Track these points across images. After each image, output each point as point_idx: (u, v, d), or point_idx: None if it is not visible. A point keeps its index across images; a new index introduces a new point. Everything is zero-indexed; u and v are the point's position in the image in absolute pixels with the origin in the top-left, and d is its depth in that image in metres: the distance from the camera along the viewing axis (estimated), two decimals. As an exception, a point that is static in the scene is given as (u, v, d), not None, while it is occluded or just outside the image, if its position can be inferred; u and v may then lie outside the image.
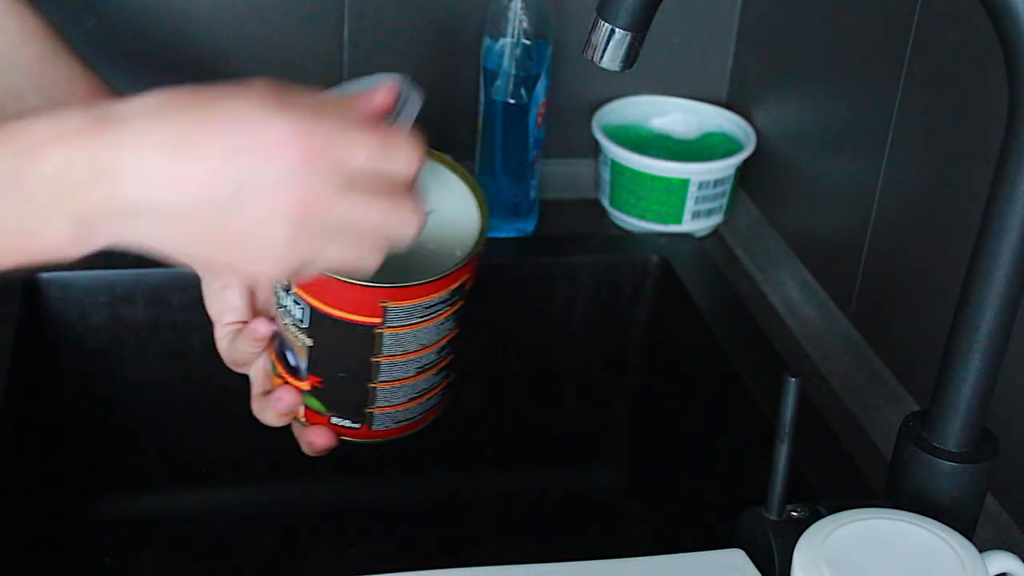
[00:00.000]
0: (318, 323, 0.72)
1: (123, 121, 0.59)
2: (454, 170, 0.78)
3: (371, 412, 0.77)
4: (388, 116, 0.69)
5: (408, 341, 0.73)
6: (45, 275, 1.05)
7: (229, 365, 0.79)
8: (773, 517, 0.74)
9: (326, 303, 0.71)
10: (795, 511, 0.74)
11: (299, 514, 1.15)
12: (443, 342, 0.76)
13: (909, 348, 0.96)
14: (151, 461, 1.14)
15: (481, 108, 1.13)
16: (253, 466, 1.14)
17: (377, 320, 0.71)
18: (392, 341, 0.73)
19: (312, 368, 0.75)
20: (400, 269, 0.70)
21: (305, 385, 0.76)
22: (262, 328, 0.75)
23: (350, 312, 0.71)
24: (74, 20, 1.12)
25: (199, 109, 0.60)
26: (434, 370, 0.77)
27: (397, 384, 0.76)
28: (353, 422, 0.77)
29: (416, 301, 0.72)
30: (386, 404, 0.76)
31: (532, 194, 1.16)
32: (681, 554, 0.74)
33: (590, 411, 1.20)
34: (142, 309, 1.08)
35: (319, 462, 1.17)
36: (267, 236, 0.60)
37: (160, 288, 1.07)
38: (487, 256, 1.15)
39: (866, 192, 1.01)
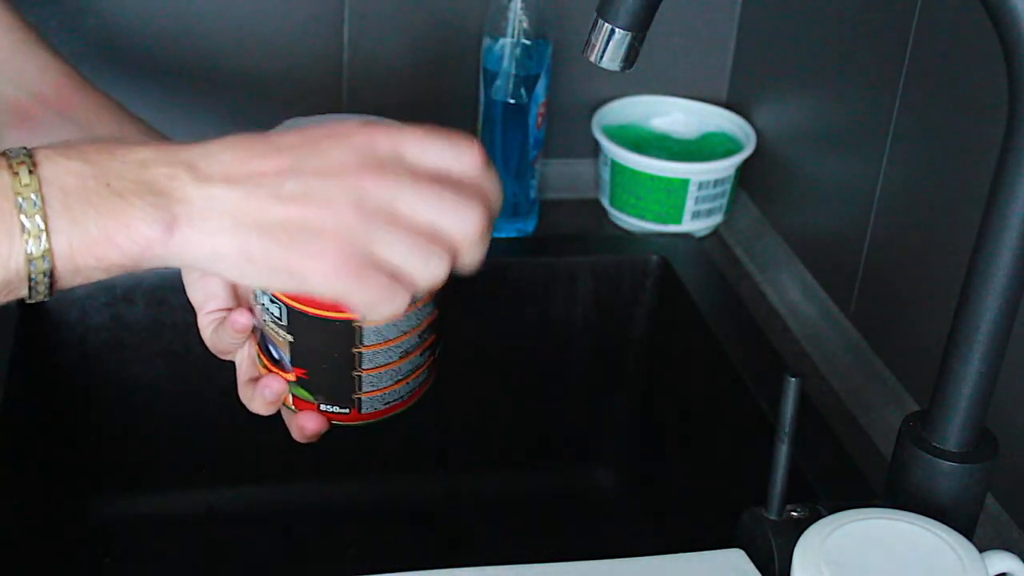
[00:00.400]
0: (296, 320, 0.72)
1: (196, 142, 0.63)
2: None
3: (359, 397, 0.76)
4: None
5: (388, 330, 0.73)
6: (45, 275, 1.05)
7: (214, 353, 0.78)
8: (773, 517, 0.74)
9: (301, 302, 0.71)
10: (795, 511, 0.74)
11: (299, 514, 1.15)
12: (424, 326, 0.75)
13: (909, 348, 0.96)
14: (151, 461, 1.14)
15: (481, 108, 1.13)
16: (253, 466, 1.14)
17: (355, 314, 0.71)
18: (373, 332, 0.73)
19: (295, 361, 0.75)
20: None
21: (291, 376, 0.76)
22: (242, 319, 0.74)
23: (327, 309, 0.71)
24: (74, 20, 1.12)
25: (268, 134, 0.64)
26: (417, 352, 0.77)
27: (382, 370, 0.75)
28: (342, 407, 0.77)
29: None
30: (373, 388, 0.76)
31: (532, 194, 1.16)
32: (681, 554, 0.74)
33: (590, 411, 1.20)
34: (142, 309, 1.08)
35: (319, 462, 1.17)
36: (333, 223, 0.61)
37: (160, 288, 1.07)
38: (487, 256, 1.15)
39: (866, 192, 1.01)
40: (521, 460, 1.21)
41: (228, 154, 0.62)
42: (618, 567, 0.73)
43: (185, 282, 0.78)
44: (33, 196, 0.59)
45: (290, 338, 0.73)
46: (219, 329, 0.77)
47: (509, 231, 1.16)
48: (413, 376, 0.78)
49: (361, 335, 0.72)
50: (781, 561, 0.72)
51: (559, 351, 1.17)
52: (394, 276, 0.63)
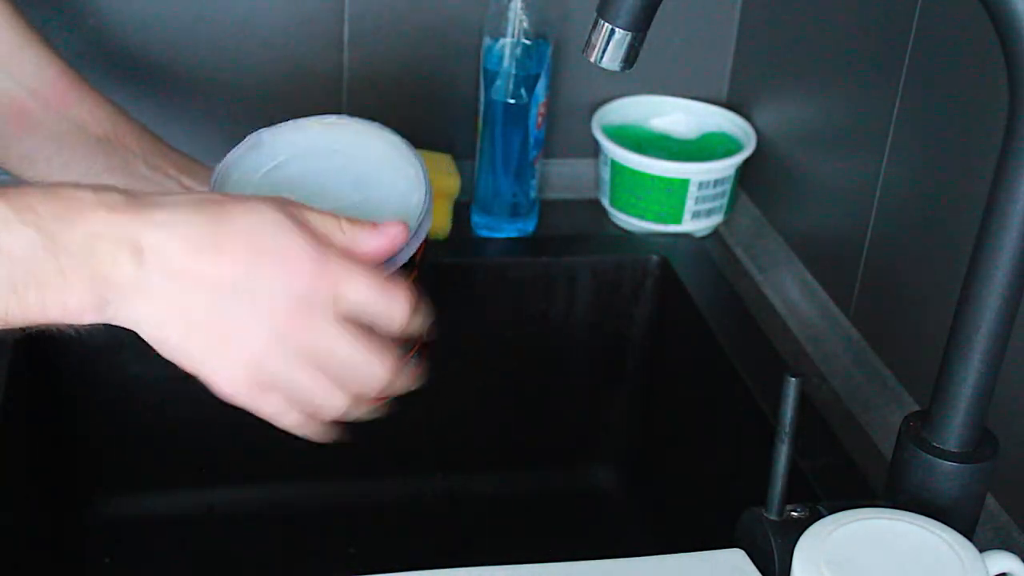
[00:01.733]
0: None
1: (160, 207, 0.64)
2: (394, 132, 0.79)
3: None
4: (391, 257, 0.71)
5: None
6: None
7: None
8: (773, 517, 0.74)
9: None
10: (795, 511, 0.74)
11: (299, 514, 1.15)
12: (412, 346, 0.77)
13: (909, 348, 0.96)
14: (151, 461, 1.14)
15: (481, 108, 1.13)
16: (253, 466, 1.14)
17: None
18: None
19: None
20: None
21: None
22: None
23: None
24: (74, 20, 1.12)
25: (227, 215, 0.65)
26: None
27: None
28: None
29: None
30: None
31: (532, 194, 1.16)
32: (681, 554, 0.74)
33: (590, 411, 1.20)
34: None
35: (319, 462, 1.17)
36: (252, 336, 0.65)
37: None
38: (487, 256, 1.16)
39: (866, 192, 1.01)
40: (521, 460, 1.21)
41: (177, 243, 0.64)
42: (618, 567, 0.73)
43: None
44: None
45: None
46: None
47: (509, 231, 1.16)
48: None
49: None
50: (781, 561, 0.72)
51: (559, 351, 1.17)
52: (293, 402, 0.67)
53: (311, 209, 0.68)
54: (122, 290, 0.63)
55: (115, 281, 0.63)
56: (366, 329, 0.67)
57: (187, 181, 0.89)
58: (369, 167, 0.78)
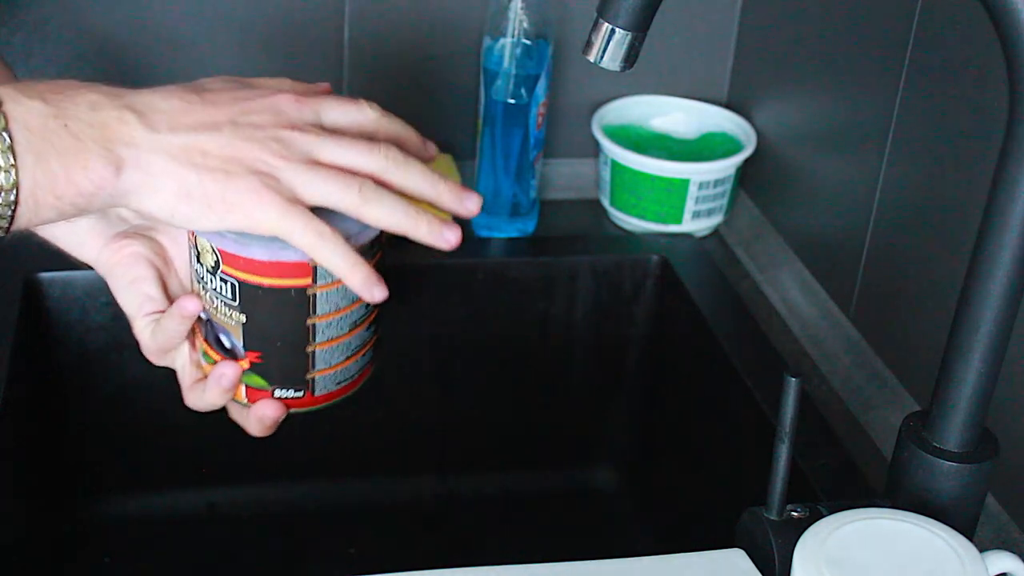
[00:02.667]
0: (250, 297, 0.73)
1: (133, 90, 0.69)
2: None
3: (312, 378, 0.77)
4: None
5: (339, 297, 0.74)
6: (45, 275, 1.05)
7: (153, 356, 0.79)
8: (773, 517, 0.74)
9: (256, 273, 0.72)
10: (795, 511, 0.74)
11: (299, 514, 1.15)
12: None
13: (909, 348, 0.96)
14: (151, 461, 1.14)
15: (481, 108, 1.13)
16: (253, 466, 1.14)
17: (307, 281, 0.73)
18: (324, 299, 0.74)
19: (249, 344, 0.75)
20: None
21: (244, 363, 0.76)
22: (191, 305, 0.75)
23: (281, 277, 0.72)
24: (74, 20, 1.12)
25: (205, 79, 0.73)
26: (364, 325, 0.78)
27: (334, 343, 0.76)
28: (296, 390, 0.77)
29: None
30: (325, 366, 0.77)
31: (532, 194, 1.16)
32: (681, 554, 0.74)
33: (590, 411, 1.20)
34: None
35: (319, 462, 1.17)
36: (263, 165, 0.68)
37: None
38: (487, 256, 1.16)
39: (866, 192, 1.01)
40: (521, 460, 1.21)
41: (167, 104, 0.68)
42: (618, 567, 0.73)
43: (114, 290, 0.79)
44: (3, 134, 0.63)
45: (242, 318, 0.74)
46: (157, 329, 0.77)
47: (509, 231, 1.16)
48: (361, 353, 0.79)
49: (314, 304, 0.74)
50: (781, 561, 0.72)
51: (559, 351, 1.17)
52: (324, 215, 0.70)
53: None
54: (135, 149, 0.66)
55: (126, 140, 0.66)
56: (352, 133, 0.73)
57: None
58: None
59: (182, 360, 0.79)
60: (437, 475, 1.19)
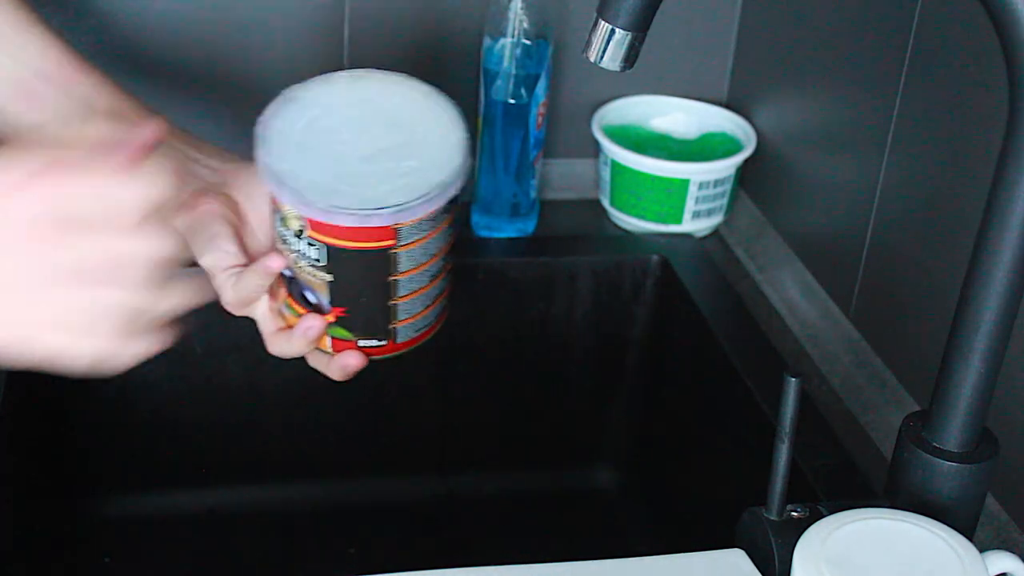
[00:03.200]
0: (337, 259, 0.76)
1: None
2: (431, 91, 0.83)
3: (394, 327, 0.80)
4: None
5: (420, 254, 0.77)
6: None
7: (233, 308, 0.80)
8: (773, 517, 0.74)
9: (343, 238, 0.75)
10: (795, 511, 0.74)
11: (299, 514, 1.15)
12: (447, 249, 0.80)
13: (909, 348, 0.96)
14: (151, 461, 1.14)
15: (481, 108, 1.13)
16: (253, 466, 1.14)
17: (391, 242, 0.75)
18: (406, 258, 0.77)
19: (335, 300, 0.78)
20: (395, 190, 0.74)
21: (330, 318, 0.79)
22: (275, 263, 0.77)
23: (367, 241, 0.75)
24: (74, 20, 1.12)
25: None
26: (442, 276, 0.81)
27: (415, 295, 0.79)
28: (380, 340, 0.81)
29: (424, 217, 0.75)
30: (407, 316, 0.80)
31: (532, 194, 1.16)
32: (681, 554, 0.74)
33: (590, 411, 1.20)
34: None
35: (319, 462, 1.17)
36: (15, 284, 0.63)
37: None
38: (487, 256, 1.15)
39: (866, 192, 1.01)
40: (521, 460, 1.21)
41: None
42: (618, 567, 0.73)
43: (193, 249, 0.80)
44: None
45: (329, 278, 0.76)
46: (239, 283, 0.78)
47: (509, 231, 1.16)
48: (439, 300, 0.82)
49: (396, 261, 0.76)
50: (781, 561, 0.72)
51: (559, 351, 1.17)
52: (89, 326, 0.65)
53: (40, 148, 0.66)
54: None
55: None
56: (108, 215, 0.64)
57: (192, 153, 0.89)
58: (404, 112, 0.80)
59: (262, 310, 0.81)
60: (437, 475, 1.19)
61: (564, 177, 1.24)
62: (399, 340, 0.81)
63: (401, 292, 0.78)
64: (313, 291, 0.78)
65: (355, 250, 0.75)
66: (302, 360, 0.83)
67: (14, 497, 0.98)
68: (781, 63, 1.17)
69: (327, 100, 0.81)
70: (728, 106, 1.24)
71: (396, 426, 1.17)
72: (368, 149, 0.76)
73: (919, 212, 0.95)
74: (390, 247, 0.76)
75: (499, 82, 1.10)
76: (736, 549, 0.75)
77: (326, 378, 0.83)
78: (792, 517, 0.74)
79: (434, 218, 0.76)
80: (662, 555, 0.74)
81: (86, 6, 1.13)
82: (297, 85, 0.81)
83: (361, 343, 0.80)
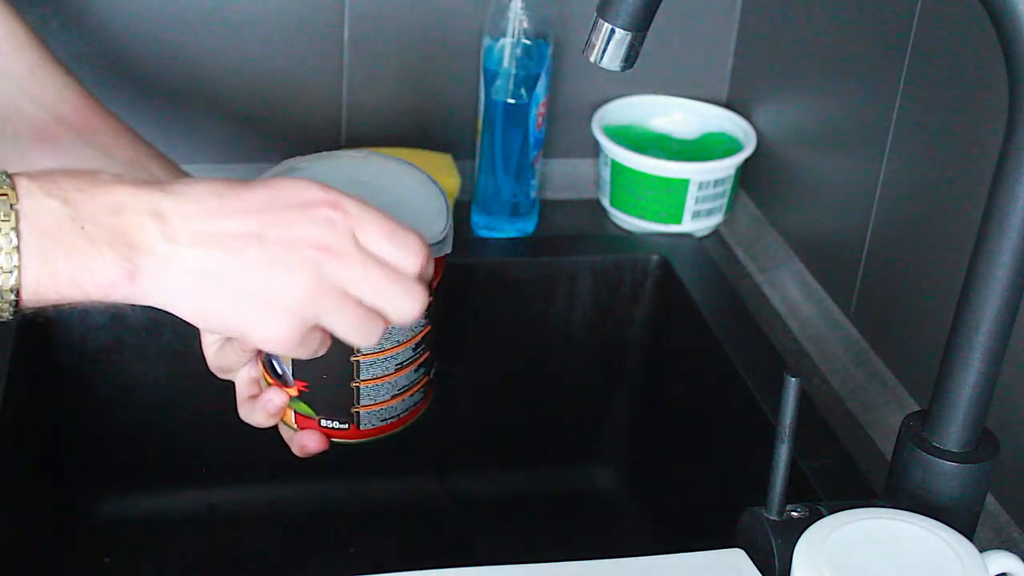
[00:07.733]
0: None
1: (177, 183, 0.66)
2: (421, 170, 0.80)
3: (357, 412, 0.79)
4: None
5: (383, 339, 0.74)
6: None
7: (215, 371, 0.81)
8: (773, 517, 0.74)
9: None
10: (795, 511, 0.74)
11: (299, 514, 1.15)
12: (417, 339, 0.78)
13: (909, 348, 0.96)
14: (151, 461, 1.14)
15: (481, 108, 1.13)
16: (253, 466, 1.14)
17: None
18: None
19: (297, 374, 0.77)
20: None
21: (293, 391, 0.78)
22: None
23: None
24: (74, 20, 1.12)
25: (241, 183, 0.67)
26: (412, 367, 0.79)
27: (379, 381, 0.78)
28: (341, 423, 0.79)
29: None
30: (370, 402, 0.78)
31: (532, 194, 1.16)
32: (681, 554, 0.74)
33: (590, 411, 1.20)
34: (142, 309, 1.08)
35: (319, 461, 1.17)
36: (288, 294, 0.65)
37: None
38: (487, 256, 1.15)
39: (866, 192, 1.01)
40: (521, 460, 1.21)
41: (197, 207, 0.64)
42: (618, 567, 0.73)
43: None
44: (11, 233, 0.61)
45: None
46: (224, 348, 0.78)
47: (509, 231, 1.16)
48: (408, 393, 0.80)
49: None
50: (781, 561, 0.72)
51: (559, 351, 1.17)
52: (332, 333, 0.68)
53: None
54: (151, 259, 0.63)
55: (144, 249, 0.63)
56: (387, 267, 0.67)
57: None
58: (395, 198, 0.78)
59: (242, 376, 0.81)
60: (437, 475, 1.19)
61: (564, 177, 1.24)
62: (362, 426, 0.79)
63: (364, 375, 0.77)
64: (279, 361, 0.77)
65: None
66: None
67: (14, 497, 0.98)
68: (781, 63, 1.17)
69: (325, 176, 0.79)
70: (728, 106, 1.24)
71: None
72: None
73: (919, 212, 0.95)
74: None
75: (499, 82, 1.10)
76: (736, 549, 0.75)
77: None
78: (792, 517, 0.74)
79: None
80: (662, 555, 0.74)
81: (85, 7, 1.13)
82: (300, 156, 0.80)
83: (324, 423, 0.79)
